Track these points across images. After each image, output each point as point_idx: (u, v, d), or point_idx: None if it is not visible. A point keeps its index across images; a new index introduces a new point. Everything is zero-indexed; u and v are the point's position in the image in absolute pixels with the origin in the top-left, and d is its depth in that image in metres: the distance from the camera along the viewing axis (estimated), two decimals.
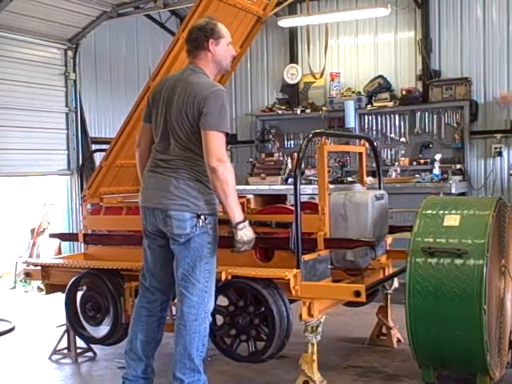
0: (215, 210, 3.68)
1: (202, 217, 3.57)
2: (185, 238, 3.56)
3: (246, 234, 3.56)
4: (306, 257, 3.99)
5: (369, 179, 5.71)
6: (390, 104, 8.62)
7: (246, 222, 3.58)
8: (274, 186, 8.67)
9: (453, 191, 7.52)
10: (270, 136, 9.63)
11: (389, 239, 4.96)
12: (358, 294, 3.79)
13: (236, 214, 3.51)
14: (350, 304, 4.81)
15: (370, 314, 5.24)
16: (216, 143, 3.44)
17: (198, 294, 3.59)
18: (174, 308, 4.71)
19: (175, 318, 4.98)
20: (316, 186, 4.82)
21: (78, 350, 4.97)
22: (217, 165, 3.41)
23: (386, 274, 4.84)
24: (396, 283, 4.99)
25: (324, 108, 9.06)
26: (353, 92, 9.02)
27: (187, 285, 3.59)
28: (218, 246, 3.76)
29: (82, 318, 4.66)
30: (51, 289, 5.02)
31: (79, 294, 4.71)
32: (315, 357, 3.96)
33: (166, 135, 3.62)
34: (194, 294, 3.58)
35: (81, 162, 8.43)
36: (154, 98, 3.74)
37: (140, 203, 3.76)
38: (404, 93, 8.59)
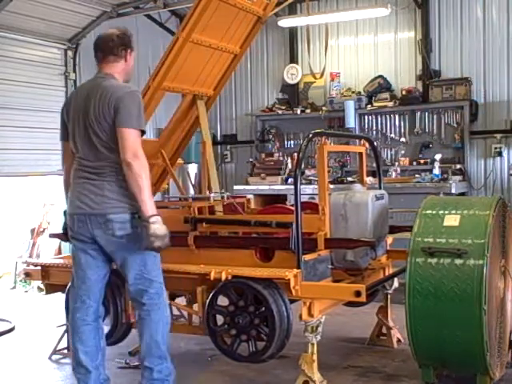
0: None
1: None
2: (127, 239, 3.62)
3: (158, 228, 3.51)
4: (307, 257, 3.99)
5: (369, 179, 5.71)
6: (390, 104, 8.63)
7: (159, 217, 3.55)
8: (274, 186, 8.67)
9: (453, 191, 7.53)
10: (270, 136, 9.63)
11: (389, 239, 4.96)
12: (358, 293, 3.79)
13: (149, 208, 3.50)
14: (350, 304, 4.81)
15: (370, 313, 5.24)
16: (132, 139, 3.49)
17: (155, 286, 3.72)
18: (174, 308, 4.71)
19: (175, 318, 5.01)
20: (316, 186, 4.82)
21: None
22: (132, 160, 3.46)
23: (386, 273, 4.84)
24: (396, 283, 4.99)
25: (324, 108, 9.06)
26: (353, 92, 9.02)
27: (144, 282, 3.70)
28: (220, 245, 3.76)
29: None
30: (51, 289, 5.02)
31: None
32: (315, 357, 3.95)
33: (89, 143, 3.63)
34: (151, 287, 3.71)
35: None
36: (68, 113, 3.76)
37: (70, 211, 3.76)
38: (404, 93, 8.60)
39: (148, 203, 3.50)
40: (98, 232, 3.63)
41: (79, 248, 3.76)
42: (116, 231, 3.60)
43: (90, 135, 3.61)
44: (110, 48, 3.70)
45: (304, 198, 4.98)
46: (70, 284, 3.93)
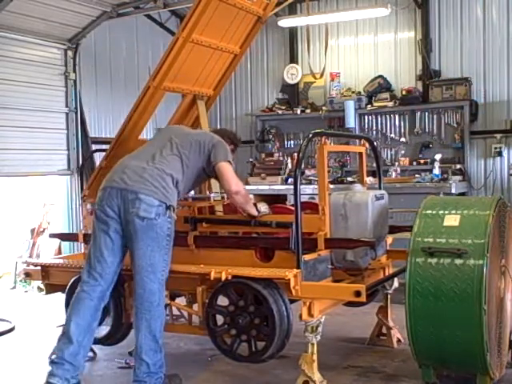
0: (176, 210, 4.02)
1: (171, 207, 3.90)
2: (146, 222, 3.81)
3: (264, 211, 4.42)
4: (307, 257, 3.99)
5: (369, 179, 5.70)
6: (390, 104, 8.63)
7: (260, 213, 4.36)
8: (274, 186, 8.67)
9: (453, 191, 7.52)
10: (270, 136, 9.63)
11: (389, 239, 4.96)
12: (358, 294, 3.79)
13: (254, 213, 4.34)
14: (350, 304, 4.80)
15: (370, 313, 5.24)
16: (231, 173, 4.17)
17: (158, 281, 3.91)
18: (174, 308, 4.71)
19: (175, 318, 5.01)
20: (316, 186, 4.82)
21: None
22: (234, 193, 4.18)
23: (386, 273, 4.84)
24: (396, 283, 4.99)
25: (324, 108, 9.06)
26: (353, 92, 9.02)
27: (148, 273, 3.86)
28: (220, 245, 4.01)
29: None
30: (51, 289, 5.03)
31: None
32: (315, 357, 3.96)
33: (167, 146, 4.15)
34: (154, 281, 3.90)
35: (81, 162, 8.42)
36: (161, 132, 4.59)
37: (106, 184, 4.01)
38: (404, 93, 8.60)
39: (251, 211, 4.32)
40: (123, 208, 3.86)
41: (101, 228, 3.96)
42: (140, 211, 3.82)
43: (172, 144, 4.14)
44: (222, 135, 4.47)
45: (304, 198, 4.98)
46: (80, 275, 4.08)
